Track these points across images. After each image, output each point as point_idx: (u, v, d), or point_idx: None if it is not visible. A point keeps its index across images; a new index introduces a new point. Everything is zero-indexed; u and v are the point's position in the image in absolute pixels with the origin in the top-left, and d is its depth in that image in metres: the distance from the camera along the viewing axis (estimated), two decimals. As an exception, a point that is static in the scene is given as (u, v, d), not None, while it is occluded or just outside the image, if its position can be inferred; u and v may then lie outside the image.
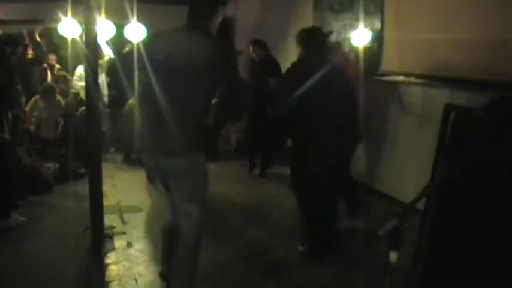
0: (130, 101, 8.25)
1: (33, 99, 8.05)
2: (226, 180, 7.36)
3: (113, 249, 4.88)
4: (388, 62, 6.10)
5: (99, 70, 6.90)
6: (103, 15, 7.97)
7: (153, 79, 3.46)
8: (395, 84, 6.00)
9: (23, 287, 4.25)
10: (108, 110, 8.72)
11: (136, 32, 8.25)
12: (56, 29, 8.43)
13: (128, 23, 8.28)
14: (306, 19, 7.89)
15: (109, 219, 5.40)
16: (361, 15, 6.42)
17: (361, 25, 6.22)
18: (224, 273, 4.48)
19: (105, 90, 8.94)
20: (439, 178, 2.54)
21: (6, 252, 4.90)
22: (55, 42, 9.88)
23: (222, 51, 3.49)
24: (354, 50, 6.37)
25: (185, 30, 3.60)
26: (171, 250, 3.74)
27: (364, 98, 5.28)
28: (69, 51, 8.48)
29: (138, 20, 8.23)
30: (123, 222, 5.58)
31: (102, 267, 4.49)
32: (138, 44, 3.75)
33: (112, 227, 5.31)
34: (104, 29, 8.02)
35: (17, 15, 9.94)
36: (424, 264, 2.37)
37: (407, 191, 5.73)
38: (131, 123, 7.58)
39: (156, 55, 3.48)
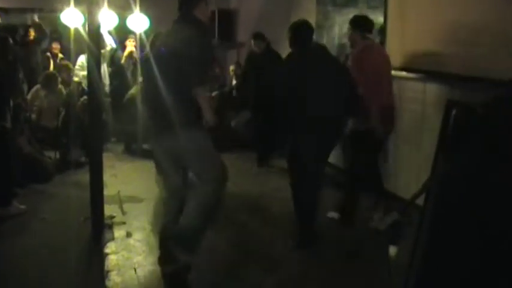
0: (131, 91, 8.27)
1: (34, 88, 8.06)
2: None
3: (113, 239, 4.89)
4: (391, 56, 6.06)
5: (102, 60, 6.90)
6: (106, 5, 7.98)
7: (153, 71, 3.79)
8: (397, 79, 5.98)
9: (22, 275, 4.26)
10: (109, 99, 8.72)
11: (139, 22, 8.26)
12: (58, 17, 8.44)
13: (131, 13, 8.29)
14: (309, 13, 7.86)
15: (109, 209, 5.42)
16: (365, 10, 6.41)
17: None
18: (223, 264, 4.50)
19: (106, 80, 8.94)
20: (439, 174, 2.54)
21: (6, 241, 4.92)
22: (58, 31, 9.85)
23: (197, 42, 3.73)
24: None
25: (176, 19, 3.94)
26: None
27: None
28: (72, 40, 8.49)
29: (141, 10, 8.24)
30: (123, 213, 5.59)
31: (101, 257, 4.50)
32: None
33: (112, 217, 5.32)
34: (107, 19, 8.03)
35: (19, 4, 9.92)
36: (422, 259, 2.38)
37: (410, 187, 5.75)
38: (132, 113, 7.68)
39: (157, 48, 3.89)
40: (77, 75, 8.66)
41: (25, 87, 7.42)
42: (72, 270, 4.30)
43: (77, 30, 8.22)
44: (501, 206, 2.25)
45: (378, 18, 6.38)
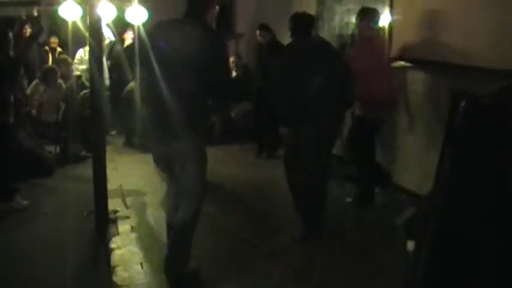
0: (130, 84, 8.23)
1: (33, 82, 8.00)
2: (228, 163, 7.34)
3: (117, 233, 4.85)
4: (397, 47, 6.04)
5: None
6: (104, -3, 7.90)
7: (157, 69, 3.62)
8: (403, 70, 5.96)
9: (26, 271, 4.23)
10: (108, 93, 8.66)
11: (137, 15, 8.18)
12: (56, 11, 8.35)
13: (130, 5, 8.22)
14: (309, 3, 7.82)
15: (112, 203, 5.35)
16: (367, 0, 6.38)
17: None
18: (226, 255, 4.48)
19: (105, 74, 8.86)
20: (448, 166, 2.52)
21: (9, 235, 4.91)
22: (57, 24, 9.77)
23: (215, 44, 3.69)
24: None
25: (184, 21, 3.78)
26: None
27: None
28: (70, 33, 8.41)
29: (140, 2, 8.17)
30: (127, 206, 5.57)
31: (107, 252, 4.47)
32: (140, 33, 3.84)
33: (115, 211, 5.28)
34: (105, 11, 7.94)
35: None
36: (429, 252, 2.36)
37: (412, 178, 5.75)
38: (132, 106, 7.64)
39: (159, 44, 3.65)
40: (76, 69, 8.60)
41: (25, 82, 7.37)
42: (78, 266, 4.28)
43: (75, 24, 8.15)
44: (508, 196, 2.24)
45: (380, 9, 6.33)
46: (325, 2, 7.68)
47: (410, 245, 2.13)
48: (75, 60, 8.78)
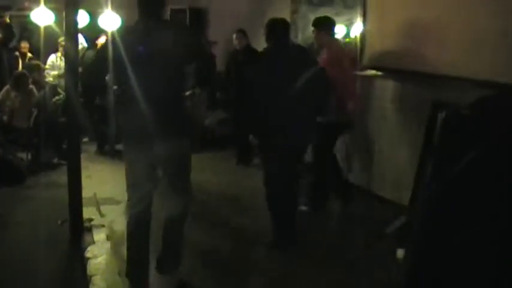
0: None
1: (4, 89, 7.85)
2: (207, 170, 7.30)
3: (93, 242, 4.79)
4: (370, 56, 6.11)
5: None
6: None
7: (138, 71, 3.62)
8: (375, 78, 6.03)
9: (-1, 283, 4.16)
10: (81, 99, 8.57)
11: (110, 21, 8.14)
12: (28, 16, 8.26)
13: (102, 11, 8.18)
14: (283, 11, 7.85)
15: (86, 212, 5.26)
16: (341, 10, 6.45)
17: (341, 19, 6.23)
18: (208, 265, 4.47)
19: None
20: (428, 177, 2.56)
21: (-20, 246, 4.80)
22: (28, 29, 9.63)
23: (190, 35, 3.91)
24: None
25: (152, 21, 3.73)
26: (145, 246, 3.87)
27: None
28: (42, 39, 8.32)
29: (112, 8, 8.12)
30: (101, 215, 5.50)
31: (83, 262, 4.41)
32: (113, 37, 3.80)
33: (90, 220, 5.22)
34: (78, 17, 7.87)
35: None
36: (413, 259, 2.40)
37: (388, 187, 5.81)
38: (104, 113, 7.57)
39: (134, 47, 3.62)
40: (48, 75, 8.48)
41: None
42: (53, 276, 4.21)
43: (47, 29, 8.07)
44: (493, 206, 2.28)
45: (354, 18, 6.42)
46: (299, 11, 7.73)
47: (400, 253, 2.17)
48: (47, 66, 8.66)
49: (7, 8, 9.73)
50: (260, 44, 5.27)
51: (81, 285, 4.06)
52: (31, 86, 7.80)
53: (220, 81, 8.71)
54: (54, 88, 8.04)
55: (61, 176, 5.15)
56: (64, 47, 6.82)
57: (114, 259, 4.47)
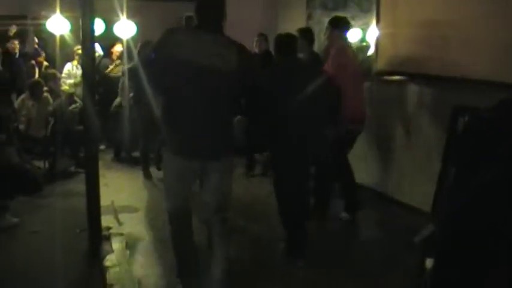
0: (118, 99, 8.19)
1: (20, 98, 7.89)
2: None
3: (112, 251, 4.77)
4: (383, 60, 6.07)
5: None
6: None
7: (191, 82, 3.46)
8: (390, 83, 5.99)
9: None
10: (96, 107, 8.59)
11: (126, 29, 8.18)
12: (43, 25, 8.32)
13: (118, 19, 8.21)
14: (299, 16, 7.86)
15: (104, 220, 5.24)
16: (356, 14, 6.41)
17: (356, 23, 6.19)
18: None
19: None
20: (454, 184, 2.52)
21: (-1, 254, 4.80)
22: (44, 38, 9.69)
23: (249, 57, 3.73)
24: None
25: (211, 33, 3.52)
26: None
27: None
28: (58, 48, 8.37)
29: (128, 16, 8.16)
30: (120, 223, 5.49)
31: (102, 271, 4.39)
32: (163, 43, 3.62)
33: (109, 228, 5.22)
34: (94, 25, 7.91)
35: (3, 11, 9.73)
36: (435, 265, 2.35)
37: (406, 191, 5.76)
38: (120, 120, 7.58)
39: (186, 57, 3.42)
40: (64, 83, 8.52)
41: (13, 96, 7.28)
42: (72, 286, 4.20)
43: (62, 38, 8.11)
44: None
45: (369, 22, 6.38)
46: (313, 16, 7.70)
47: (429, 262, 2.12)
48: (63, 75, 8.70)
49: (22, 17, 9.82)
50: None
51: (100, 294, 4.05)
52: (46, 94, 7.83)
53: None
54: (70, 96, 8.04)
55: (78, 185, 5.14)
56: (80, 55, 6.85)
57: (133, 268, 4.45)
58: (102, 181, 6.56)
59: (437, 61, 5.24)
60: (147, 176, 7.39)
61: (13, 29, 9.19)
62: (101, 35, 8.59)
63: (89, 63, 4.82)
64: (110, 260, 4.56)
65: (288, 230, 4.78)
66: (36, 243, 5.06)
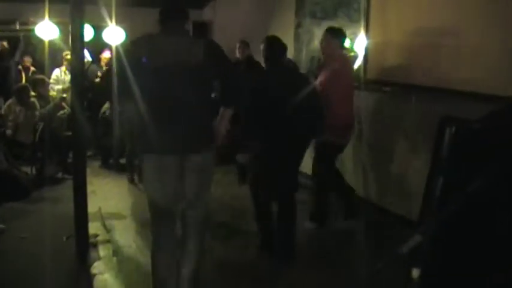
0: (106, 105, 8.18)
1: (7, 103, 7.86)
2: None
3: (99, 258, 4.77)
4: (372, 70, 6.11)
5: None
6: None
7: (162, 83, 3.55)
8: (378, 92, 6.02)
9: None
10: (85, 113, 8.58)
11: (115, 35, 8.18)
12: (32, 30, 8.30)
13: (107, 25, 8.21)
14: (287, 25, 7.88)
15: (91, 227, 5.24)
16: (345, 24, 6.45)
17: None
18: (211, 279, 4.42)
19: (81, 94, 8.80)
20: (438, 193, 2.53)
21: (-16, 262, 4.77)
22: (32, 44, 9.67)
23: (219, 49, 3.75)
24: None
25: (176, 34, 3.70)
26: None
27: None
28: (46, 53, 8.35)
29: (117, 23, 8.16)
30: (107, 230, 5.47)
31: (89, 278, 4.38)
32: (123, 49, 3.74)
33: (96, 235, 5.20)
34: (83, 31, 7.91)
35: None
36: (422, 276, 2.37)
37: (392, 200, 5.79)
38: (108, 127, 7.56)
39: (157, 59, 3.54)
40: (52, 89, 8.50)
41: (1, 102, 7.26)
42: (59, 293, 4.19)
43: (51, 43, 8.10)
44: (503, 223, 2.26)
45: (358, 32, 6.42)
46: (303, 24, 7.73)
47: (416, 272, 2.14)
48: (51, 80, 8.68)
49: (12, 22, 9.80)
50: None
51: (87, 302, 4.04)
52: (33, 99, 7.82)
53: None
54: (59, 102, 8.03)
55: (66, 191, 5.12)
56: (69, 61, 6.84)
57: (121, 275, 4.44)
58: (89, 188, 6.54)
59: (425, 71, 5.28)
60: (132, 181, 7.43)
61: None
62: (90, 41, 8.59)
63: (77, 68, 4.81)
64: (96, 268, 4.55)
65: (263, 233, 4.92)
66: (23, 249, 5.03)
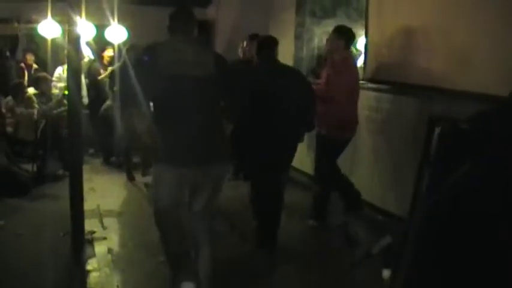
0: (107, 103, 8.21)
1: (5, 100, 7.89)
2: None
3: (94, 255, 4.79)
4: (371, 69, 6.11)
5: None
6: (83, 15, 7.89)
7: (176, 92, 3.51)
8: (377, 91, 6.01)
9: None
10: (87, 111, 8.63)
11: (117, 33, 8.21)
12: (35, 29, 8.34)
13: (109, 24, 8.24)
14: (288, 23, 7.88)
15: (89, 224, 5.28)
16: (345, 22, 6.44)
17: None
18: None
19: (84, 92, 8.82)
20: (424, 193, 2.53)
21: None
22: (35, 42, 9.72)
23: (226, 63, 3.81)
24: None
25: (189, 42, 3.70)
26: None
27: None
28: (49, 51, 8.39)
29: (119, 21, 8.19)
30: (104, 227, 5.50)
31: (83, 274, 4.40)
32: (134, 57, 3.71)
33: (92, 232, 5.22)
34: (85, 29, 7.93)
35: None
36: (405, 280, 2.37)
37: (388, 200, 5.77)
38: (110, 125, 7.59)
39: (172, 67, 3.50)
40: (55, 87, 8.54)
41: (1, 98, 7.30)
42: (53, 288, 4.21)
43: (54, 42, 8.14)
44: (489, 223, 2.25)
45: (358, 31, 6.41)
46: (304, 24, 7.74)
47: (386, 273, 2.14)
48: (54, 78, 8.72)
49: (15, 20, 9.85)
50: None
51: (79, 298, 4.06)
52: (29, 95, 7.86)
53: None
54: (60, 99, 8.06)
55: (65, 188, 5.14)
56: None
57: (115, 272, 4.46)
58: (89, 185, 6.65)
59: (424, 71, 5.27)
60: (131, 178, 7.47)
61: None
62: (93, 40, 8.63)
63: (75, 65, 4.82)
64: (91, 264, 4.57)
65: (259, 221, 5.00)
66: (20, 245, 5.05)
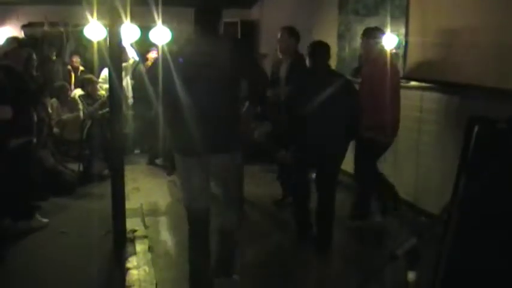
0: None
1: (50, 101, 8.07)
2: (251, 183, 7.22)
3: (134, 253, 4.85)
4: (412, 67, 6.00)
5: (123, 73, 6.86)
6: (128, 18, 8.02)
7: (192, 83, 3.64)
8: (418, 89, 5.91)
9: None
10: (132, 112, 8.76)
11: (161, 35, 8.31)
12: (82, 31, 8.52)
13: (153, 26, 8.35)
14: (331, 23, 7.83)
15: (131, 223, 5.38)
16: (387, 20, 6.36)
17: (387, 30, 6.12)
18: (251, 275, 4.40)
19: (129, 93, 8.97)
20: (460, 196, 2.47)
21: (27, 254, 4.91)
22: (83, 44, 9.93)
23: (246, 49, 4.02)
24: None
25: (208, 36, 3.79)
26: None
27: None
28: (95, 53, 8.56)
29: (163, 23, 8.28)
30: (146, 226, 5.57)
31: (122, 272, 4.46)
32: (164, 51, 3.82)
33: (134, 231, 5.29)
34: (129, 31, 8.07)
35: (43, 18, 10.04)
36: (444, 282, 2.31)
37: (430, 200, 5.66)
38: (156, 127, 7.68)
39: (191, 61, 3.68)
40: (101, 88, 8.70)
41: (48, 101, 7.47)
42: (92, 285, 4.28)
43: (100, 44, 8.29)
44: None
45: (400, 29, 6.31)
46: (346, 23, 7.66)
47: (411, 275, 2.10)
48: (100, 79, 8.87)
49: (65, 25, 10.12)
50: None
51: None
52: (73, 96, 8.04)
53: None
54: (105, 101, 8.20)
55: (110, 187, 5.24)
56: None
57: (154, 270, 4.50)
58: (133, 185, 6.77)
59: (465, 68, 5.14)
60: (170, 174, 7.64)
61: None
62: (137, 41, 8.76)
63: (116, 67, 4.90)
64: (131, 262, 4.64)
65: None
66: (64, 243, 5.17)
